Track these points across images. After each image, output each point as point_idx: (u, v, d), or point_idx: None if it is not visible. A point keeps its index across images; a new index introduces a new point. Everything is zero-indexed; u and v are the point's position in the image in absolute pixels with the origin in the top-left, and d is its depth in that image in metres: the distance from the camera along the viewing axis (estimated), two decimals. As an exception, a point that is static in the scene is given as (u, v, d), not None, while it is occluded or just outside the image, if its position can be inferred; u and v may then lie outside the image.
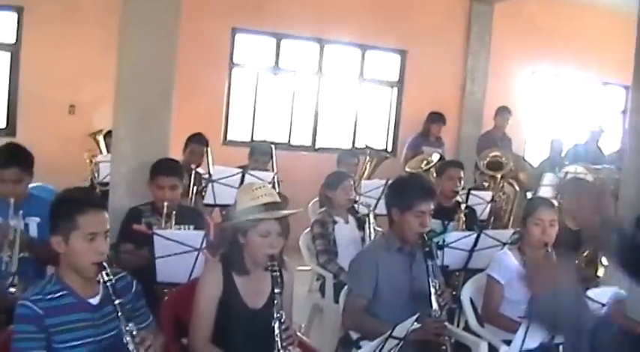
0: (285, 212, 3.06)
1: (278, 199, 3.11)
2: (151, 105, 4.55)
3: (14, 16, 7.70)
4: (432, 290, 3.37)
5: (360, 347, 3.34)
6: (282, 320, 2.84)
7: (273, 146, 6.63)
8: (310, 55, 8.88)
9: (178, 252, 3.50)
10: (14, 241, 3.57)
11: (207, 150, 6.01)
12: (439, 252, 4.19)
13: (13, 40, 7.74)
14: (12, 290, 3.33)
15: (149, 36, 4.55)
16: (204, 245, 3.56)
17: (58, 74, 7.56)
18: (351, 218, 5.20)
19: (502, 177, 7.26)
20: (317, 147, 8.99)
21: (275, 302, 2.85)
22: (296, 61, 8.84)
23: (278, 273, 2.90)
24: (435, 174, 6.16)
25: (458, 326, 4.25)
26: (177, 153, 5.12)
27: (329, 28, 8.55)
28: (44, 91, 7.50)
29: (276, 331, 2.81)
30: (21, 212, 3.66)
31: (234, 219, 3.07)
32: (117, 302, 2.47)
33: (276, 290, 2.86)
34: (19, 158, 3.84)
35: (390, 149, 9.33)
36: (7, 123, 7.74)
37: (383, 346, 2.59)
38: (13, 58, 7.75)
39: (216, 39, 8.20)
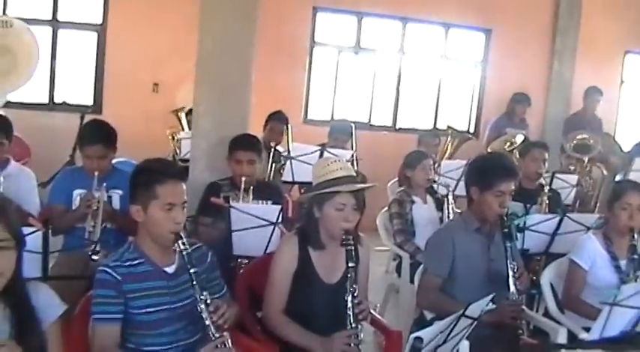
0: (360, 185, 3.04)
1: (353, 173, 3.09)
2: (230, 82, 4.60)
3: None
4: (510, 273, 3.28)
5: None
6: (355, 294, 2.83)
7: (353, 125, 6.59)
8: (392, 33, 8.76)
9: (255, 226, 3.52)
10: (97, 211, 3.71)
11: (287, 128, 6.04)
12: (519, 235, 4.07)
13: (99, 21, 7.99)
14: (95, 257, 3.44)
15: (229, 14, 4.60)
16: (280, 219, 3.57)
17: (143, 53, 7.75)
18: (429, 198, 5.13)
19: (589, 161, 7.01)
20: (398, 127, 8.89)
21: (349, 276, 2.84)
22: (377, 40, 8.73)
23: (352, 248, 2.88)
24: (518, 156, 5.99)
25: (537, 311, 4.13)
26: (257, 131, 5.16)
27: (411, 5, 8.42)
28: (129, 70, 7.72)
29: (349, 305, 2.81)
30: (105, 184, 3.81)
31: (310, 193, 3.07)
32: (192, 271, 2.51)
33: (350, 265, 2.85)
34: (104, 135, 3.98)
35: (472, 130, 9.15)
36: (94, 100, 8.01)
37: (455, 324, 2.54)
38: (100, 38, 8.00)
39: (297, 17, 8.20)
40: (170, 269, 2.68)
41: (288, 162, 5.20)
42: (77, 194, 3.95)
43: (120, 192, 3.96)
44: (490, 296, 2.69)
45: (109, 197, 3.91)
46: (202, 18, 4.65)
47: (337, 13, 8.56)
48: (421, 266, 3.65)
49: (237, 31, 4.61)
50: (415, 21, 8.71)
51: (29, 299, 2.20)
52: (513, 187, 3.43)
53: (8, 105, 6.91)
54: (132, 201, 2.67)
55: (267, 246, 3.56)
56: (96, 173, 3.82)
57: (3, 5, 7.91)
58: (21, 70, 6.62)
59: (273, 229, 3.56)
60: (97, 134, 4.00)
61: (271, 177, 5.35)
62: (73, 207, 3.94)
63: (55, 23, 8.00)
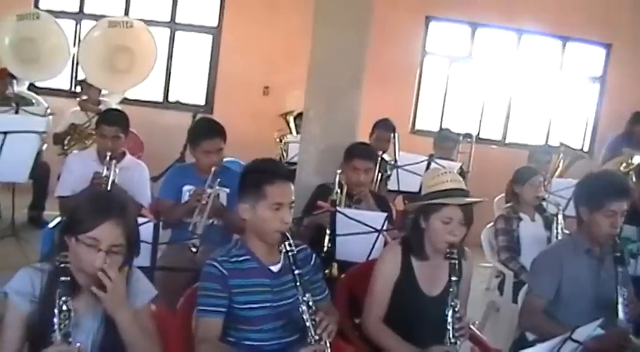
0: (469, 199, 2.96)
1: (464, 186, 3.02)
2: (341, 88, 4.62)
3: (217, 1, 8.18)
4: (620, 299, 3.09)
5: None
6: (456, 309, 2.76)
7: (457, 134, 6.49)
8: (506, 45, 8.56)
9: (359, 232, 3.51)
10: (206, 206, 3.81)
11: (394, 137, 5.99)
12: (632, 261, 3.86)
13: (215, 24, 8.24)
14: (193, 249, 3.55)
15: (343, 21, 4.60)
16: (385, 227, 3.55)
17: (255, 57, 7.92)
18: (537, 216, 4.95)
19: None
20: (508, 141, 8.65)
21: (451, 290, 2.78)
22: (491, 51, 8.55)
23: (457, 262, 2.82)
24: (634, 178, 5.70)
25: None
26: (363, 138, 5.15)
27: (528, 17, 8.16)
28: (241, 73, 7.91)
29: (449, 319, 2.74)
30: (218, 180, 3.89)
31: (418, 203, 3.03)
32: (296, 272, 2.52)
33: (453, 279, 2.79)
34: (220, 129, 4.13)
35: (586, 148, 8.78)
36: (206, 101, 8.26)
37: (560, 347, 2.43)
38: (215, 41, 8.25)
39: (409, 26, 8.15)
40: (275, 268, 2.71)
41: (394, 171, 5.15)
42: (187, 190, 4.05)
43: (227, 190, 4.05)
44: (599, 321, 2.56)
45: (218, 194, 3.99)
46: (316, 24, 4.69)
47: (450, 23, 8.44)
48: (526, 286, 3.52)
49: (351, 38, 4.62)
50: (530, 32, 8.46)
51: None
52: (626, 207, 3.24)
53: (125, 101, 7.22)
54: (241, 199, 2.71)
55: (369, 253, 3.54)
56: (213, 168, 3.91)
57: (125, 7, 8.29)
58: (139, 69, 6.91)
59: (377, 236, 3.54)
60: (215, 129, 4.12)
61: (377, 185, 5.31)
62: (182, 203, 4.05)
63: (172, 25, 8.31)
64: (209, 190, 3.85)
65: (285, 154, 6.39)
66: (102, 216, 2.17)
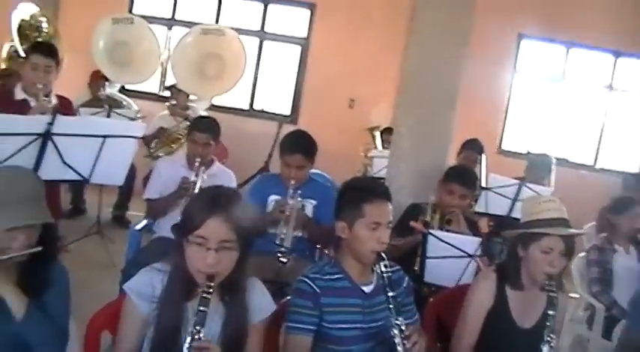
0: (573, 231, 2.83)
1: (566, 216, 2.88)
2: (433, 105, 4.52)
3: (307, 12, 8.19)
4: None
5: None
6: (552, 344, 2.64)
7: (553, 160, 6.28)
8: (602, 67, 8.27)
9: (451, 256, 3.41)
10: (290, 218, 3.77)
11: (481, 158, 5.85)
12: None
13: (304, 35, 8.26)
14: (283, 260, 3.54)
15: (439, 37, 4.51)
16: (478, 252, 3.43)
17: (342, 69, 7.91)
18: (632, 249, 4.72)
19: None
20: (599, 166, 8.36)
21: (548, 324, 2.66)
22: (585, 72, 8.29)
23: (555, 295, 2.69)
24: None
25: None
26: (450, 157, 5.03)
27: (627, 40, 7.89)
28: (327, 84, 7.91)
29: (545, 355, 2.62)
30: (299, 192, 3.85)
31: (517, 230, 2.91)
32: (390, 294, 2.45)
33: (550, 312, 2.67)
34: (305, 146, 4.03)
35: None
36: (292, 111, 8.28)
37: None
38: (303, 52, 8.29)
39: (501, 44, 7.98)
40: (367, 289, 2.64)
41: (482, 193, 5.01)
42: (272, 200, 4.02)
43: (314, 201, 4.01)
44: None
45: (303, 206, 3.96)
46: (412, 39, 4.62)
47: (543, 42, 8.22)
48: (622, 323, 3.34)
49: (446, 55, 4.52)
50: (629, 56, 8.16)
51: (245, 298, 2.27)
52: None
53: (212, 108, 7.30)
54: (338, 216, 2.65)
55: (460, 278, 3.43)
56: (292, 181, 3.88)
57: (216, 15, 8.43)
58: (228, 77, 6.97)
59: (470, 261, 3.43)
60: (299, 144, 4.06)
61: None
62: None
63: (262, 34, 8.40)
64: (291, 202, 3.81)
65: (369, 169, 6.33)
66: (208, 213, 2.12)
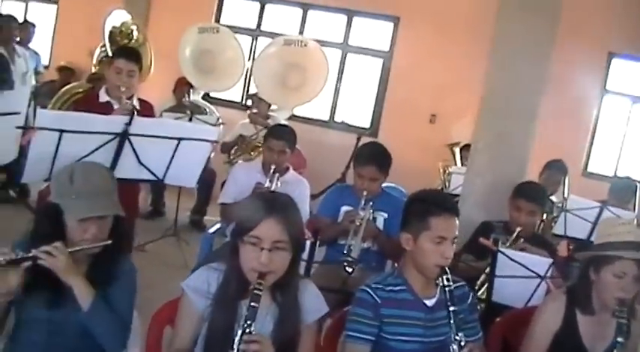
0: None
1: (643, 240, 2.76)
2: (514, 122, 4.42)
3: (390, 25, 8.18)
4: None
5: None
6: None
7: (638, 184, 6.02)
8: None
9: (520, 275, 3.30)
10: (360, 228, 3.75)
11: (564, 179, 5.68)
12: None
13: (387, 48, 8.24)
14: (349, 270, 3.52)
15: (522, 53, 4.41)
16: (549, 273, 3.32)
17: (424, 83, 7.85)
18: None
19: None
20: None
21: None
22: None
23: (626, 321, 2.58)
24: None
25: None
26: (532, 176, 4.90)
27: None
28: (408, 98, 7.87)
29: (614, 383, 2.51)
30: (371, 203, 3.83)
31: (590, 252, 2.80)
32: (451, 308, 2.40)
33: (619, 340, 2.56)
34: (379, 158, 4.01)
35: None
36: (371, 124, 8.27)
37: None
38: (385, 65, 8.27)
39: (590, 61, 7.70)
40: (429, 302, 2.60)
41: (562, 215, 4.85)
42: (344, 210, 4.02)
43: (385, 214, 3.98)
44: None
45: (374, 218, 3.94)
46: (494, 51, 4.54)
47: (635, 61, 7.91)
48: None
49: (528, 71, 4.41)
50: None
51: (297, 298, 2.29)
52: None
53: (293, 118, 7.37)
54: (403, 228, 2.63)
55: (529, 299, 3.33)
56: (364, 192, 3.87)
57: (300, 26, 8.54)
58: (309, 88, 7.02)
59: (540, 282, 3.32)
60: (373, 156, 4.04)
61: (541, 227, 5.03)
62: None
63: (345, 47, 8.44)
64: (362, 213, 3.80)
65: (447, 185, 6.24)
66: (262, 214, 2.18)
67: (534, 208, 3.95)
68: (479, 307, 3.27)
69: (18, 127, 2.88)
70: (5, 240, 2.34)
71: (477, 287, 3.60)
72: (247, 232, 2.18)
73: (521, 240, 3.81)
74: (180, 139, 3.23)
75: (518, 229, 3.82)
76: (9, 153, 2.99)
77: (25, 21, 8.21)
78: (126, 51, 4.45)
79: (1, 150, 2.94)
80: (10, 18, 6.90)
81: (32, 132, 2.93)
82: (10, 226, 3.85)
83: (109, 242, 2.35)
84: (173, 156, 3.27)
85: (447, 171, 6.50)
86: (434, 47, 7.83)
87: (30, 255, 2.21)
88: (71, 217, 2.32)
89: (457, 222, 2.59)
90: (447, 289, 2.43)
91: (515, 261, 3.31)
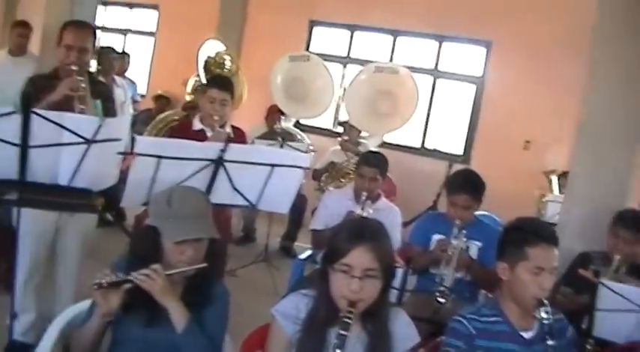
0: None
1: None
2: (613, 148, 4.30)
3: (483, 50, 8.07)
4: None
5: None
6: None
7: None
8: None
9: (624, 309, 3.14)
10: (452, 258, 3.68)
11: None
12: None
13: (479, 73, 8.13)
14: (441, 300, 3.46)
15: (620, 76, 4.28)
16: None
17: (517, 108, 7.69)
18: None
19: None
20: None
21: None
22: None
23: None
24: None
25: None
26: (633, 203, 4.69)
27: None
28: (502, 124, 7.72)
29: None
30: (464, 232, 3.74)
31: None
32: (550, 342, 2.31)
33: None
34: (472, 186, 3.93)
35: None
36: (464, 151, 8.14)
37: None
38: (477, 90, 8.14)
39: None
40: (527, 335, 2.51)
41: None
42: (435, 239, 3.96)
43: (479, 243, 3.89)
44: None
45: (467, 247, 3.85)
46: (591, 78, 4.42)
47: None
48: None
49: (628, 94, 4.27)
50: None
51: (387, 327, 2.25)
52: None
53: (383, 145, 7.34)
54: (499, 257, 2.56)
55: (633, 334, 3.16)
56: (457, 221, 3.80)
57: (390, 53, 8.53)
58: (400, 114, 6.98)
59: (645, 316, 3.14)
60: (466, 183, 3.97)
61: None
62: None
63: (436, 73, 8.38)
64: (454, 242, 3.73)
65: (542, 213, 6.05)
66: (354, 242, 2.16)
67: (633, 237, 3.78)
68: (588, 346, 3.15)
69: (119, 153, 2.97)
70: (103, 262, 2.43)
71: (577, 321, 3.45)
72: (338, 259, 2.16)
73: (623, 270, 3.64)
74: (273, 166, 3.27)
75: (617, 258, 3.65)
76: (110, 178, 3.08)
77: (122, 52, 8.55)
78: (219, 80, 4.55)
79: (103, 176, 3.03)
80: (110, 49, 7.22)
81: (131, 158, 3.02)
82: (107, 248, 4.01)
83: (205, 265, 2.39)
84: (266, 183, 3.31)
85: (543, 200, 6.30)
86: (528, 71, 7.66)
87: (130, 277, 2.28)
88: (168, 240, 2.38)
89: (556, 252, 2.49)
90: (545, 322, 2.34)
91: (618, 294, 3.15)
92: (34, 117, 2.74)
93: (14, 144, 2.76)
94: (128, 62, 8.47)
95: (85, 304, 2.56)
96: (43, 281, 3.79)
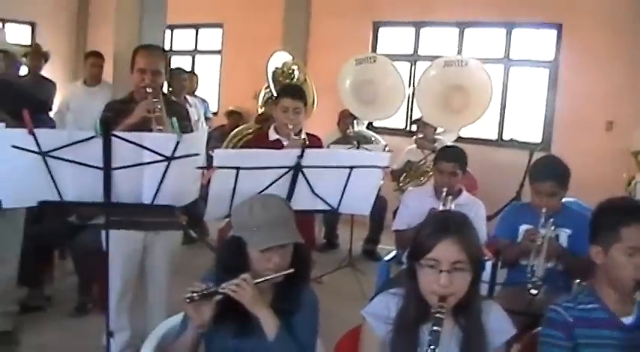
0: None
1: None
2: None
3: (553, 33, 7.87)
4: None
5: None
6: None
7: None
8: None
9: None
10: (542, 247, 3.58)
11: None
12: None
13: (552, 57, 7.91)
14: (533, 292, 3.38)
15: None
16: None
17: (595, 89, 7.46)
18: None
19: None
20: None
21: None
22: None
23: None
24: None
25: None
26: None
27: None
28: (580, 107, 7.51)
29: None
30: (551, 220, 3.64)
31: None
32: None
33: None
34: (557, 173, 3.82)
35: None
36: (543, 138, 7.93)
37: None
38: (552, 75, 7.93)
39: None
40: (627, 320, 2.40)
41: None
42: (523, 229, 3.86)
43: (568, 231, 3.77)
44: None
45: (557, 235, 3.74)
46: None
47: None
48: None
49: None
50: None
51: (481, 320, 2.20)
52: None
53: (459, 139, 7.23)
54: (592, 240, 2.47)
55: None
56: (543, 209, 3.69)
57: (458, 46, 8.42)
58: (474, 107, 6.87)
59: None
60: (550, 171, 3.86)
61: None
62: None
63: (507, 61, 8.22)
64: (542, 231, 3.62)
65: (633, 195, 5.81)
66: (438, 236, 2.13)
67: None
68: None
69: (198, 168, 3.02)
70: (191, 278, 2.46)
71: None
72: (424, 255, 2.13)
73: None
74: (351, 167, 3.25)
75: None
76: (191, 193, 3.14)
77: (191, 72, 8.74)
78: (290, 89, 4.58)
79: (185, 191, 3.09)
80: (180, 70, 7.41)
81: (211, 172, 3.06)
82: (194, 264, 4.08)
83: (292, 270, 2.40)
84: (346, 185, 3.30)
85: (634, 182, 6.05)
86: (602, 51, 7.41)
87: (220, 288, 2.31)
88: (254, 248, 2.40)
89: (648, 231, 2.39)
90: (647, 304, 2.25)
91: None
92: (114, 139, 2.81)
93: (98, 168, 2.84)
94: (197, 81, 8.65)
95: (176, 319, 2.61)
96: (135, 299, 3.90)
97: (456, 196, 4.30)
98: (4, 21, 11.10)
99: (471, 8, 8.22)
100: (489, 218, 4.79)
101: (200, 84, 8.78)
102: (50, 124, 5.57)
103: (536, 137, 7.96)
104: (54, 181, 2.83)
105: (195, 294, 2.29)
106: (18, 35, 11.37)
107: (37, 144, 2.72)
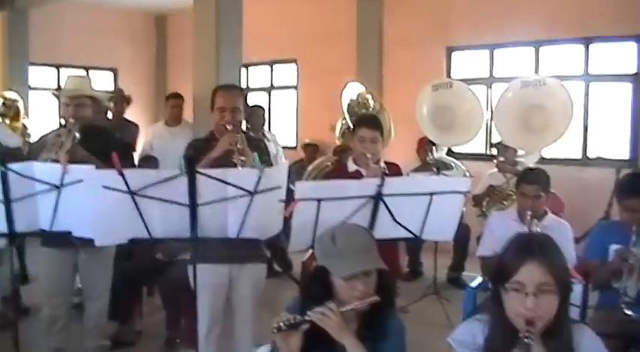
0: None
1: None
2: None
3: (634, 45, 7.67)
4: None
5: None
6: None
7: None
8: None
9: None
10: (634, 267, 3.50)
11: None
12: None
13: (633, 70, 7.69)
14: (627, 312, 3.32)
15: None
16: None
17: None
18: None
19: None
20: None
21: None
22: None
23: None
24: None
25: None
26: None
27: None
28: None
29: None
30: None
31: None
32: None
33: None
34: None
35: None
36: (631, 154, 7.68)
37: None
38: (636, 88, 7.68)
39: None
40: None
41: None
42: (613, 249, 3.74)
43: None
44: None
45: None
46: None
47: None
48: None
49: None
50: None
51: (572, 345, 2.13)
52: None
53: (542, 161, 7.08)
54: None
55: None
56: (634, 227, 3.57)
57: (535, 65, 8.28)
58: (555, 127, 6.71)
59: None
60: (638, 186, 3.75)
61: None
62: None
63: (587, 77, 8.02)
64: (634, 249, 3.50)
65: None
66: (523, 258, 2.08)
67: None
68: None
69: (280, 201, 3.07)
70: (276, 311, 2.49)
71: None
72: (508, 278, 2.09)
73: None
74: (432, 194, 3.23)
75: None
76: (275, 226, 3.19)
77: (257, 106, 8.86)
78: (367, 119, 4.61)
79: (269, 224, 3.14)
80: (258, 107, 7.56)
81: (292, 206, 3.10)
82: (278, 298, 4.13)
83: (377, 298, 2.39)
84: (428, 212, 3.27)
85: None
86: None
87: (307, 317, 2.33)
88: (337, 276, 2.41)
89: None
90: None
91: None
92: (198, 176, 2.89)
93: (184, 205, 2.92)
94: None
95: (263, 350, 2.64)
96: (222, 333, 3.96)
97: (541, 219, 4.21)
98: (87, 68, 11.67)
99: (545, 26, 8.08)
100: (577, 240, 4.66)
101: (277, 118, 8.91)
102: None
103: (623, 153, 7.71)
104: (142, 219, 2.94)
105: (282, 324, 2.32)
106: (101, 81, 11.93)
107: (126, 184, 2.83)
